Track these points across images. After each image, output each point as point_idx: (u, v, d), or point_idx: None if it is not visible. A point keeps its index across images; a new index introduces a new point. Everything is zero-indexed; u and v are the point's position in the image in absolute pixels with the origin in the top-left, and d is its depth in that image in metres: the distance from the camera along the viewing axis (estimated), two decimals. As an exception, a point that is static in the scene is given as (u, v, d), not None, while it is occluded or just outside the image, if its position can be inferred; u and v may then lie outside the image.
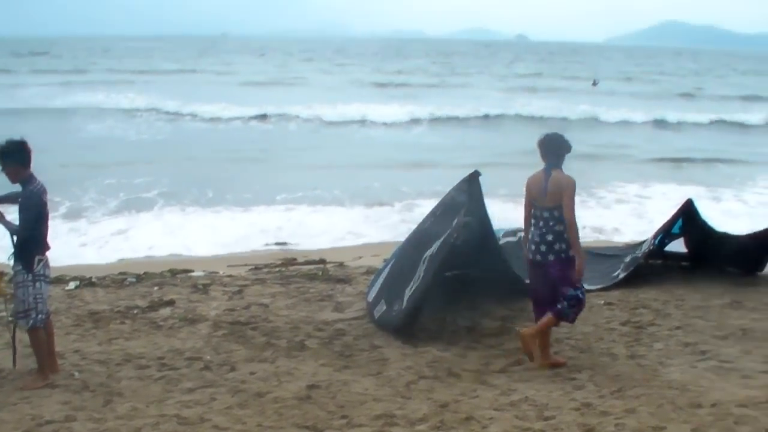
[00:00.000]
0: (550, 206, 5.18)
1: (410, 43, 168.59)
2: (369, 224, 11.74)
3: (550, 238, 5.20)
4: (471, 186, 6.25)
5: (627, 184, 15.64)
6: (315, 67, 60.44)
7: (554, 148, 5.27)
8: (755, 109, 32.38)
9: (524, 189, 5.40)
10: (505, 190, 12.37)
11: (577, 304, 5.29)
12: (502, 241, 7.36)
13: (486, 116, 27.80)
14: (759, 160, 19.65)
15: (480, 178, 6.26)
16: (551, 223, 5.20)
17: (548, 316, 5.31)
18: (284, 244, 10.53)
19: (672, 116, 28.62)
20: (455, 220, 6.15)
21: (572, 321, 5.46)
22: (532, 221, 5.33)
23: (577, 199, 5.21)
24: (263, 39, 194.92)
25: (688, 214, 7.87)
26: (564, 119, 27.18)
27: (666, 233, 8.02)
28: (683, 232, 8.08)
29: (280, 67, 58.96)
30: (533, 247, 5.30)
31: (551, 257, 5.21)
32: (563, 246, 5.18)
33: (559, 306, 5.25)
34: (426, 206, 9.22)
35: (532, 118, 27.28)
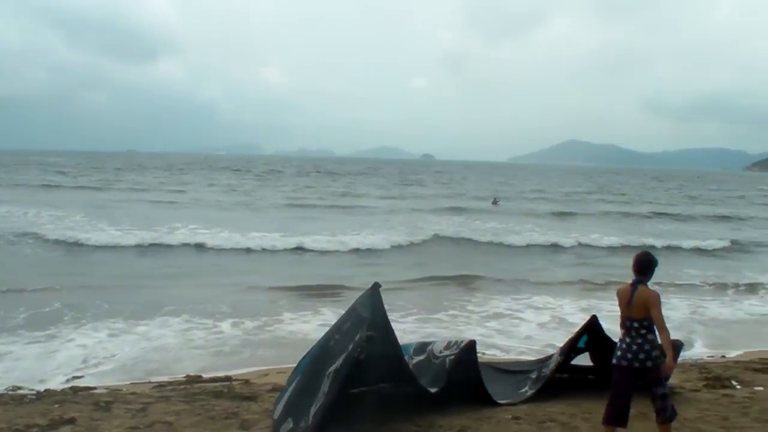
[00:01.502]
0: (638, 317, 5.64)
1: (318, 162, 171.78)
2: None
3: (647, 347, 5.64)
4: (373, 298, 6.25)
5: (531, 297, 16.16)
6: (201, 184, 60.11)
7: (643, 265, 5.78)
8: (658, 230, 33.66)
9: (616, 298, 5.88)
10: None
11: (668, 398, 5.85)
12: (413, 361, 7.29)
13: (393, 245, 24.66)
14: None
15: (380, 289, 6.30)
16: (642, 332, 5.65)
17: (663, 426, 5.86)
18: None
19: (567, 241, 27.09)
20: (358, 334, 6.07)
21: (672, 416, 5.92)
22: (622, 330, 5.77)
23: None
24: (172, 156, 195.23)
25: (593, 329, 8.00)
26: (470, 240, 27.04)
27: (572, 348, 8.09)
28: (588, 347, 8.17)
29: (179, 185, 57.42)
30: (629, 355, 5.69)
31: (649, 363, 5.65)
32: (657, 353, 5.64)
33: (666, 413, 5.79)
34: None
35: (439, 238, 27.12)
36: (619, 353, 5.76)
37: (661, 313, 5.58)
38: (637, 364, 5.67)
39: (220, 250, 22.13)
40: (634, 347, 5.68)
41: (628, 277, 5.78)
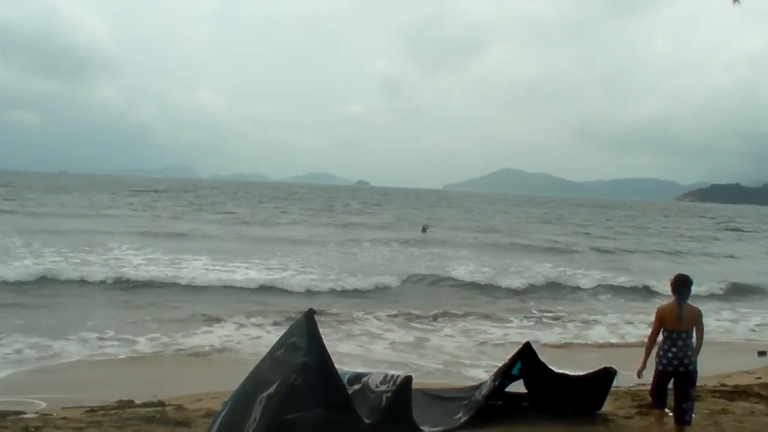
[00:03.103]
0: (687, 329, 6.82)
1: (249, 186, 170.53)
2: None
3: (689, 353, 6.83)
4: (308, 325, 6.22)
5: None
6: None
7: (687, 284, 6.92)
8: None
9: (655, 316, 6.94)
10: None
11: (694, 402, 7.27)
12: (348, 390, 6.99)
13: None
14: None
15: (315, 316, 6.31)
16: (688, 341, 6.84)
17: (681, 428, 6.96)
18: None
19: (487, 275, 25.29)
20: (293, 360, 6.06)
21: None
22: (668, 342, 6.86)
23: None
24: (102, 178, 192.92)
25: (526, 356, 8.06)
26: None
27: (505, 374, 8.09)
28: (522, 374, 8.18)
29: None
30: (676, 362, 6.84)
31: (691, 367, 6.87)
32: (695, 359, 6.89)
33: (687, 417, 6.97)
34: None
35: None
36: (665, 361, 6.87)
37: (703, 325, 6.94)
38: (682, 369, 6.85)
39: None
40: (681, 354, 6.84)
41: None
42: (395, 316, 17.06)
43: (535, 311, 18.85)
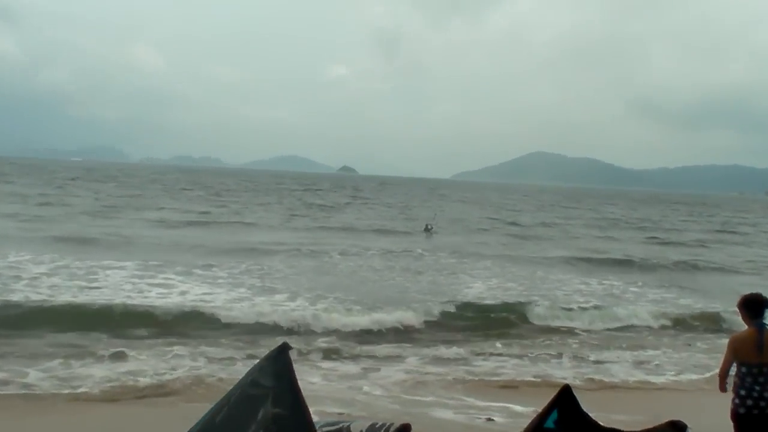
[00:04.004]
0: None
1: (196, 174, 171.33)
2: None
3: None
4: (278, 364, 6.22)
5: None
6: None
7: (763, 306, 7.03)
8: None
9: (728, 347, 7.13)
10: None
11: None
12: None
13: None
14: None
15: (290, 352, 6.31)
16: None
17: None
18: None
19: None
20: (260, 412, 6.00)
21: None
22: (748, 379, 6.96)
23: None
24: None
25: (565, 403, 7.74)
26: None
27: (537, 428, 7.77)
28: (560, 427, 7.81)
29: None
30: (763, 403, 6.90)
31: None
32: None
33: None
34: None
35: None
36: (750, 402, 6.93)
37: None
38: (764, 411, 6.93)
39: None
40: (766, 394, 6.93)
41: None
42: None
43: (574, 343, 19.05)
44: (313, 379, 14.10)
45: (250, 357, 14.98)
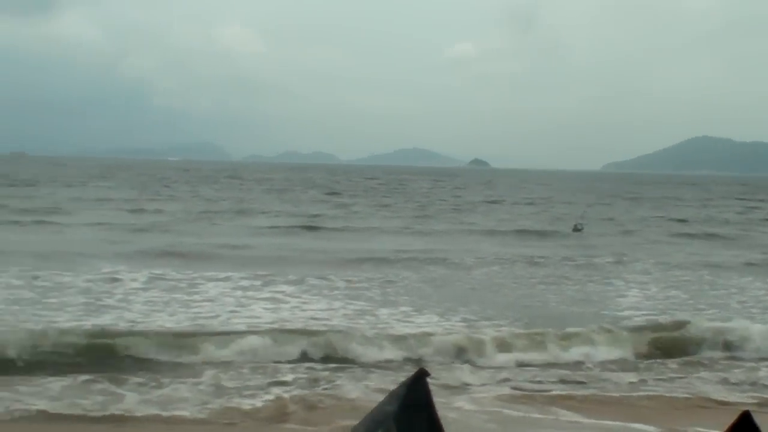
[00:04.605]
0: None
1: (307, 170, 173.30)
2: None
3: None
4: (414, 392, 6.13)
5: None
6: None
7: None
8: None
9: None
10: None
11: None
12: None
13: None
14: None
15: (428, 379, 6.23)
16: None
17: None
18: None
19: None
20: None
21: None
22: None
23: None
24: (81, 162, 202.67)
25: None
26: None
27: None
28: None
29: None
30: None
31: None
32: None
33: None
34: None
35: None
36: None
37: None
38: None
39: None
40: None
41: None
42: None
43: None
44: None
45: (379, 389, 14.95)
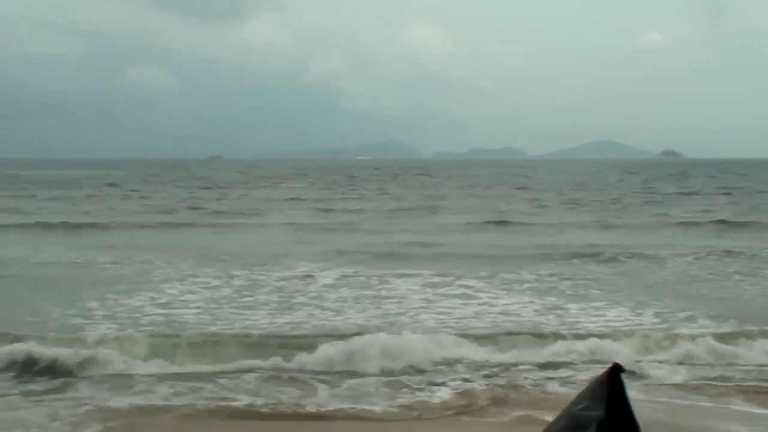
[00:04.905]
0: None
1: (495, 166, 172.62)
2: None
3: None
4: (609, 389, 5.87)
5: None
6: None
7: None
8: None
9: None
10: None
11: None
12: None
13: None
14: None
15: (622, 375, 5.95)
16: None
17: None
18: None
19: None
20: None
21: None
22: None
23: None
24: (274, 164, 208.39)
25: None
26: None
27: None
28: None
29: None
30: None
31: None
32: None
33: None
34: None
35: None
36: None
37: None
38: None
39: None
40: None
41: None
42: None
43: None
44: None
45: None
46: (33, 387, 14.51)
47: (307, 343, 17.13)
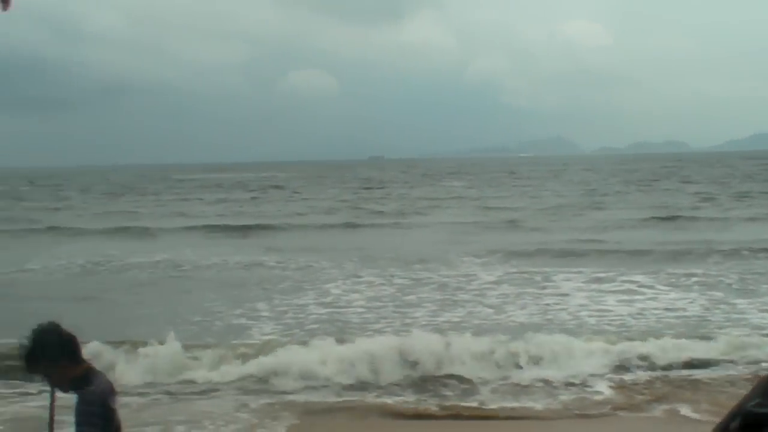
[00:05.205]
0: None
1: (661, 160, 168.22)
2: None
3: None
4: None
5: None
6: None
7: None
8: None
9: None
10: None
11: None
12: None
13: None
14: None
15: None
16: None
17: None
18: None
19: None
20: None
21: None
22: None
23: None
24: (437, 162, 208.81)
25: None
26: None
27: None
28: None
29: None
30: None
31: None
32: None
33: None
34: None
35: None
36: None
37: None
38: None
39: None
40: None
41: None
42: None
43: None
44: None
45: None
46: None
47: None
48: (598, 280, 24.69)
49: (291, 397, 14.06)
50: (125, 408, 9.56)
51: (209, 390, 14.64)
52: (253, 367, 15.45)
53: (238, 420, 12.84)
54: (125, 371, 15.14)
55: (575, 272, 26.17)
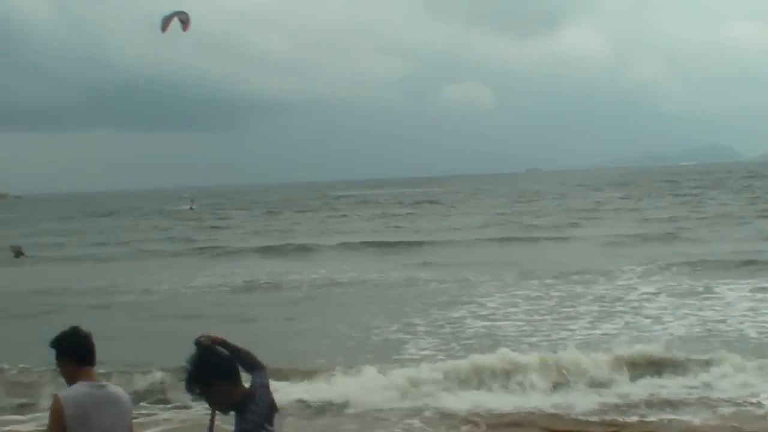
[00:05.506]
0: None
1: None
2: None
3: None
4: None
5: None
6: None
7: None
8: None
9: None
10: None
11: None
12: None
13: None
14: None
15: None
16: None
17: None
18: None
19: None
20: None
21: None
22: None
23: None
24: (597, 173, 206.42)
25: None
26: None
27: None
28: None
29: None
30: None
31: None
32: None
33: None
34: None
35: None
36: None
37: None
38: None
39: None
40: None
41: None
42: None
43: None
44: None
45: None
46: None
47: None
48: (763, 290, 24.16)
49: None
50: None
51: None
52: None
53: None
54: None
55: (740, 284, 25.48)
